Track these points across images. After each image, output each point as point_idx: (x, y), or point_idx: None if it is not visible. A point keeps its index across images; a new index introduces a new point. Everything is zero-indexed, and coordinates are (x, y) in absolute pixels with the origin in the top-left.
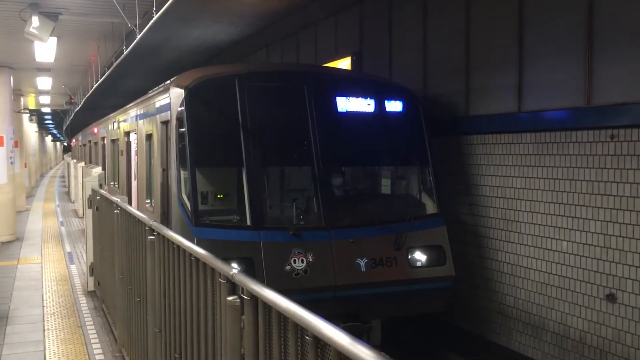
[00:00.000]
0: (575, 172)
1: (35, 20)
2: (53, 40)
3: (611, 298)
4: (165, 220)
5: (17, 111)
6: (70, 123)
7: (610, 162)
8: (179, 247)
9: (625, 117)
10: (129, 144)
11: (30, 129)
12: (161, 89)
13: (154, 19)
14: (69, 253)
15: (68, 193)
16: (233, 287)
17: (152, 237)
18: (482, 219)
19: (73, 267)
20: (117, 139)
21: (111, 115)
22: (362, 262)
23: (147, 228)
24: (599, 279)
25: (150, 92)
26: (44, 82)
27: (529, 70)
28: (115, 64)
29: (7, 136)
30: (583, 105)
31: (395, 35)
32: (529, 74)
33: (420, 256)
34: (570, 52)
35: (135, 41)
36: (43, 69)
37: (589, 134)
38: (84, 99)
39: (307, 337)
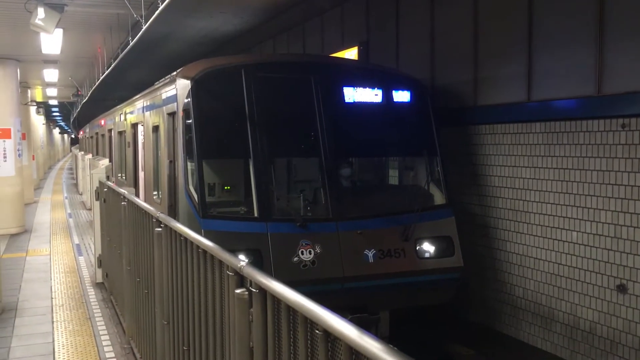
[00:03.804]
0: (585, 162)
1: (40, 12)
2: (59, 32)
3: (622, 289)
4: (173, 212)
5: (24, 103)
6: (78, 115)
7: (621, 152)
8: (186, 239)
9: (637, 106)
10: (135, 135)
11: (38, 121)
12: (167, 80)
13: (160, 9)
14: (77, 245)
15: (76, 185)
16: (241, 279)
17: (160, 229)
18: (490, 210)
19: (81, 259)
20: (124, 131)
21: (118, 107)
22: (369, 254)
23: (154, 220)
24: (610, 270)
25: (156, 83)
26: (51, 74)
27: (539, 59)
28: (121, 56)
29: (14, 128)
30: (594, 94)
31: (403, 24)
32: (538, 63)
33: (428, 247)
34: (580, 40)
35: (140, 32)
36: (49, 61)
37: (600, 123)
38: (91, 91)
39: (316, 331)
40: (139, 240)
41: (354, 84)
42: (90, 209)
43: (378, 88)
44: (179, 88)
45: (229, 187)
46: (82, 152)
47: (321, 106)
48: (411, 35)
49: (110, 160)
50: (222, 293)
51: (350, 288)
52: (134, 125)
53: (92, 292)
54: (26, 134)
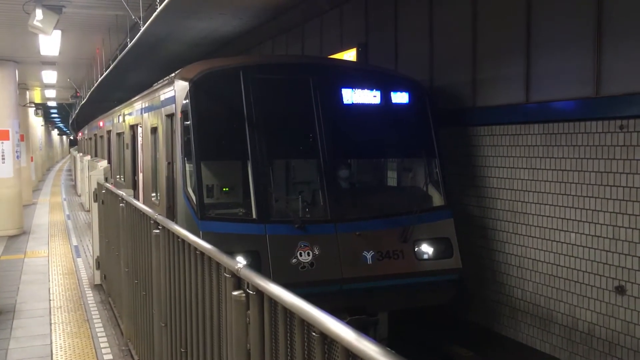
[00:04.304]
0: (583, 163)
1: (38, 13)
2: (57, 33)
3: (620, 290)
4: (171, 213)
5: (22, 105)
6: (76, 116)
7: (619, 153)
8: (184, 241)
9: (635, 107)
10: (134, 137)
11: (36, 122)
12: (166, 81)
13: (158, 11)
14: (76, 246)
15: (74, 187)
16: (238, 281)
17: (157, 231)
18: (489, 211)
19: (79, 261)
20: (123, 133)
21: (116, 108)
22: (368, 255)
23: (152, 222)
24: (608, 271)
25: (155, 85)
26: (49, 76)
27: (537, 60)
28: (119, 57)
29: (12, 130)
30: (592, 96)
31: (401, 25)
32: (537, 64)
33: (427, 249)
34: (579, 42)
35: (139, 34)
36: (48, 63)
37: (598, 124)
38: (90, 93)
39: (313, 334)
40: (137, 242)
41: (352, 85)
42: (88, 211)
43: (376, 89)
44: (177, 90)
45: (227, 189)
46: (81, 154)
47: (320, 108)
48: (410, 37)
49: (109, 162)
50: (220, 295)
51: (349, 289)
52: (133, 127)
53: (90, 294)
54: (24, 135)
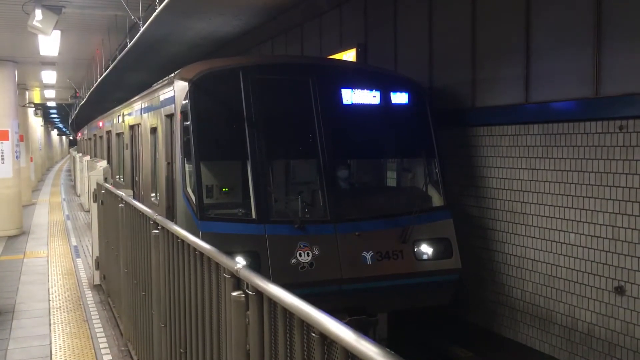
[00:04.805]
0: (583, 164)
1: (38, 14)
2: (57, 33)
3: (620, 290)
4: (171, 214)
5: (22, 105)
6: (76, 117)
7: (619, 154)
8: (183, 242)
9: (634, 108)
10: (134, 137)
11: (36, 123)
12: (165, 82)
13: (157, 11)
14: (75, 247)
15: (74, 187)
16: (238, 282)
17: (157, 231)
18: (488, 211)
19: (79, 261)
20: (122, 133)
21: (116, 108)
22: (368, 255)
23: (151, 222)
24: (608, 271)
25: (154, 85)
26: (49, 76)
27: (536, 60)
28: (119, 57)
29: (12, 130)
30: (591, 96)
31: (401, 26)
32: (536, 65)
33: (426, 249)
34: (578, 42)
35: (138, 34)
36: (47, 63)
37: (598, 124)
38: (89, 93)
39: (313, 334)
40: (136, 242)
41: (352, 85)
42: (88, 211)
43: (376, 90)
44: (176, 90)
45: (227, 189)
46: (80, 154)
47: (319, 108)
48: (409, 37)
49: (108, 162)
50: (219, 295)
51: (349, 290)
52: (132, 127)
53: (89, 295)
54: (24, 135)
